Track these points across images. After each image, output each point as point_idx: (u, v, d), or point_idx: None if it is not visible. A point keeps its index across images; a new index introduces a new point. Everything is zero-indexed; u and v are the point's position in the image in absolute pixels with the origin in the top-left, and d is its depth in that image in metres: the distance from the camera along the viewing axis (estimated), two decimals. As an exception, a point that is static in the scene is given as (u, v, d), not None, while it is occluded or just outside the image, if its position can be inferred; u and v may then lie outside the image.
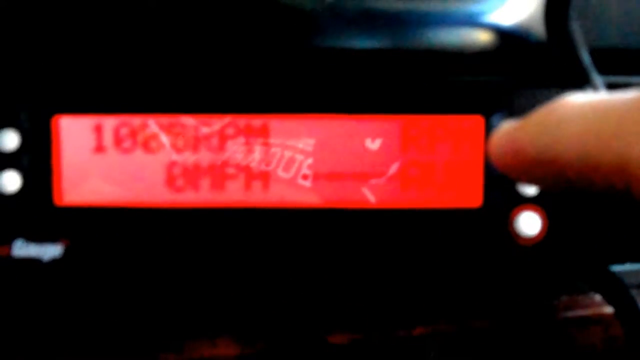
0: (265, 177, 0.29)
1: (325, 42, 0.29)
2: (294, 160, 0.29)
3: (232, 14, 0.29)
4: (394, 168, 0.28)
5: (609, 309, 0.29)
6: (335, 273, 0.29)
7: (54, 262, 0.28)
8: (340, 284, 0.29)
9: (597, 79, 0.28)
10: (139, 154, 0.29)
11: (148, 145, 0.29)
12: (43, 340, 0.28)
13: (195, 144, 0.28)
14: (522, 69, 0.29)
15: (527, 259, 0.28)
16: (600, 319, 0.30)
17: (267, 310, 0.29)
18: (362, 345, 0.29)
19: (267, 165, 0.29)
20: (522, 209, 0.28)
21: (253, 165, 0.29)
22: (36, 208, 0.28)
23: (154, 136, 0.28)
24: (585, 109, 0.17)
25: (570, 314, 0.29)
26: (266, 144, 0.28)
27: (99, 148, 0.29)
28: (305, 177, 0.29)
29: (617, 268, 0.29)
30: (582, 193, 0.18)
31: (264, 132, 0.28)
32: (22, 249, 0.28)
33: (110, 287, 0.29)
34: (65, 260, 0.28)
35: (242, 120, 0.28)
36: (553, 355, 0.29)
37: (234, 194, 0.29)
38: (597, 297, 0.30)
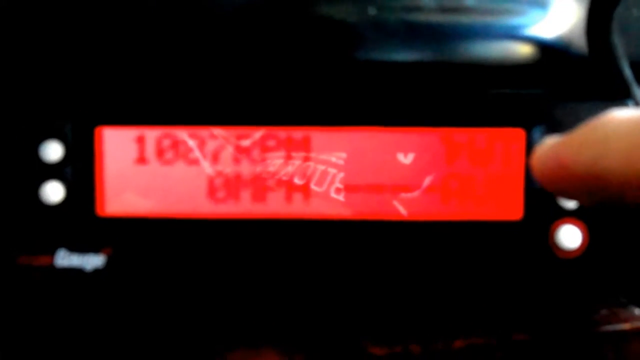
0: (304, 190, 0.29)
1: (367, 55, 0.29)
2: (333, 174, 0.29)
3: (276, 28, 0.29)
4: (434, 180, 0.29)
5: (649, 323, 0.29)
6: (375, 285, 0.29)
7: (96, 272, 0.28)
8: (380, 295, 0.29)
9: (638, 92, 0.28)
10: (180, 166, 0.29)
11: (189, 156, 0.29)
12: (85, 350, 0.28)
13: (236, 155, 0.29)
14: (563, 82, 0.29)
15: (567, 272, 0.28)
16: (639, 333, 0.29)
17: (306, 321, 0.29)
18: (400, 358, 0.29)
19: (307, 178, 0.29)
20: (562, 222, 0.28)
21: (293, 177, 0.29)
22: (79, 218, 0.29)
23: (196, 148, 0.29)
24: (631, 125, 0.17)
25: (610, 327, 0.29)
26: (306, 157, 0.29)
27: (141, 159, 0.29)
28: (343, 191, 0.29)
29: (658, 282, 0.29)
30: (624, 208, 0.18)
31: (304, 145, 0.29)
32: (64, 259, 0.28)
33: (152, 297, 0.29)
34: (108, 270, 0.28)
35: (281, 132, 0.29)
36: (592, 369, 0.29)
37: (274, 206, 0.29)
38: (637, 311, 0.30)
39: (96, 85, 0.29)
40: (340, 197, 0.29)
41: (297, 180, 0.29)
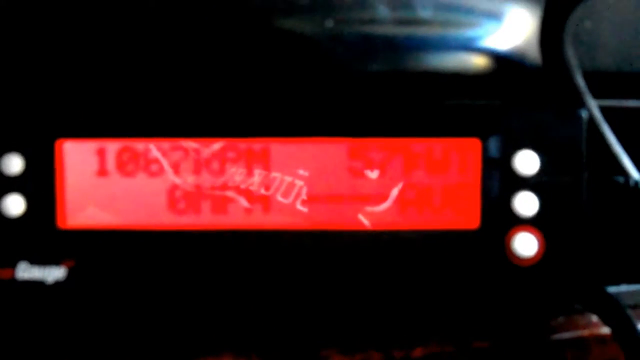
0: (264, 202, 0.29)
1: (324, 67, 0.29)
2: (294, 185, 0.29)
3: (235, 39, 0.29)
4: (392, 191, 0.29)
5: (605, 330, 0.29)
6: (334, 294, 0.29)
7: (57, 284, 0.28)
8: (340, 305, 0.29)
9: (592, 102, 0.28)
10: (141, 178, 0.29)
11: (150, 168, 0.29)
12: (46, 362, 0.28)
13: (197, 167, 0.29)
14: (518, 93, 0.29)
15: (524, 279, 0.28)
16: (597, 339, 0.30)
17: (265, 330, 0.30)
18: (361, 366, 0.29)
19: (267, 190, 0.29)
20: (518, 230, 0.28)
21: (253, 189, 0.29)
22: (40, 231, 0.29)
23: (156, 160, 0.29)
24: None
25: (567, 334, 0.30)
26: (266, 169, 0.29)
27: (102, 172, 0.29)
28: (304, 202, 0.29)
29: (612, 289, 0.29)
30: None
31: (264, 157, 0.29)
32: (25, 272, 0.28)
33: (113, 309, 0.29)
34: (69, 283, 0.28)
35: (242, 144, 0.29)
36: (551, 375, 0.30)
37: (235, 218, 0.29)
38: (594, 318, 0.30)
39: (56, 98, 0.29)
40: (306, 208, 0.29)
41: (263, 192, 0.29)
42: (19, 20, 0.29)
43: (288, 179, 0.29)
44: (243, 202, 0.29)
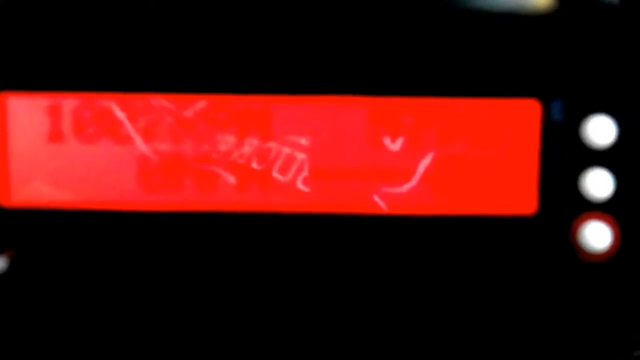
0: (259, 178, 0.25)
1: (342, 6, 0.25)
2: (294, 157, 0.25)
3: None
4: (426, 165, 0.25)
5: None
6: (341, 295, 0.26)
7: (-4, 277, 0.25)
8: (349, 308, 0.26)
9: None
10: (105, 144, 0.26)
11: (117, 132, 0.26)
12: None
13: (175, 132, 0.25)
14: (589, 41, 0.25)
15: (594, 279, 0.26)
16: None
17: (258, 331, 0.26)
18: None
19: (261, 164, 0.25)
20: (588, 217, 0.25)
21: (243, 162, 0.25)
22: (-25, 210, 0.25)
23: (125, 120, 0.25)
24: None
25: (645, 351, 0.26)
26: (264, 136, 0.25)
27: (56, 136, 0.26)
28: (306, 179, 0.25)
29: None
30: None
31: (262, 120, 0.25)
32: (-44, 261, 0.25)
33: (65, 309, 0.26)
34: (11, 275, 0.26)
35: (234, 103, 0.25)
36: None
37: (221, 195, 0.25)
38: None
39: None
40: (308, 188, 0.25)
41: (255, 165, 0.25)
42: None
43: (287, 149, 0.25)
44: (236, 177, 0.25)
